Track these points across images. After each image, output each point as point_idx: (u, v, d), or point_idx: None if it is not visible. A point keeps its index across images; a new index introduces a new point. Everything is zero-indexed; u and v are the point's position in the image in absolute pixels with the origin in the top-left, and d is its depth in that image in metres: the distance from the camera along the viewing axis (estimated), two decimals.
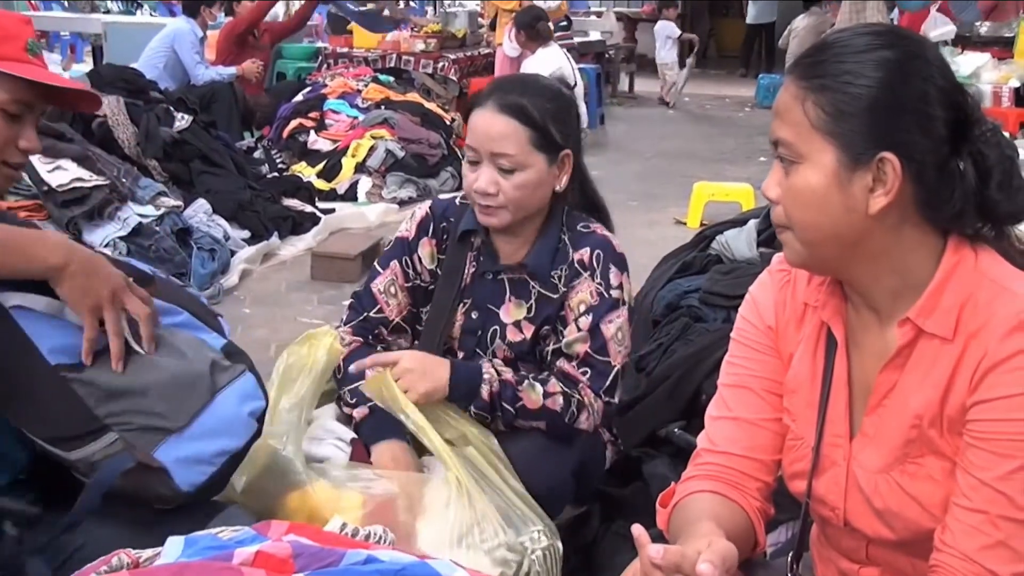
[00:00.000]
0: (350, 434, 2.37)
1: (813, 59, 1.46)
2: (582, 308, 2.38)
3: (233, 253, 5.56)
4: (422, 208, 2.56)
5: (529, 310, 2.45)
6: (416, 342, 2.58)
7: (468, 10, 11.80)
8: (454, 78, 9.46)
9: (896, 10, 12.07)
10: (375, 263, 2.58)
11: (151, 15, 15.25)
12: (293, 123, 7.80)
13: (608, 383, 2.39)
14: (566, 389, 2.36)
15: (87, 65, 9.38)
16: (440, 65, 9.38)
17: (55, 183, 4.76)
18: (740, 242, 3.35)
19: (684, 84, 14.21)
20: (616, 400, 2.44)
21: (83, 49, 13.83)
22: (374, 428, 2.36)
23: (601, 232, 2.46)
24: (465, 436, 2.31)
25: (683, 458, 2.64)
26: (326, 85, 8.15)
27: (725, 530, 1.48)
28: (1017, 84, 8.57)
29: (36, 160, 4.76)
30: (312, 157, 7.57)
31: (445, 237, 2.51)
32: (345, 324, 2.55)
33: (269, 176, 6.82)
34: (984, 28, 10.75)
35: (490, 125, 2.32)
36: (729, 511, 1.61)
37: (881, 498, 1.53)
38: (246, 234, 5.83)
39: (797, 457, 1.65)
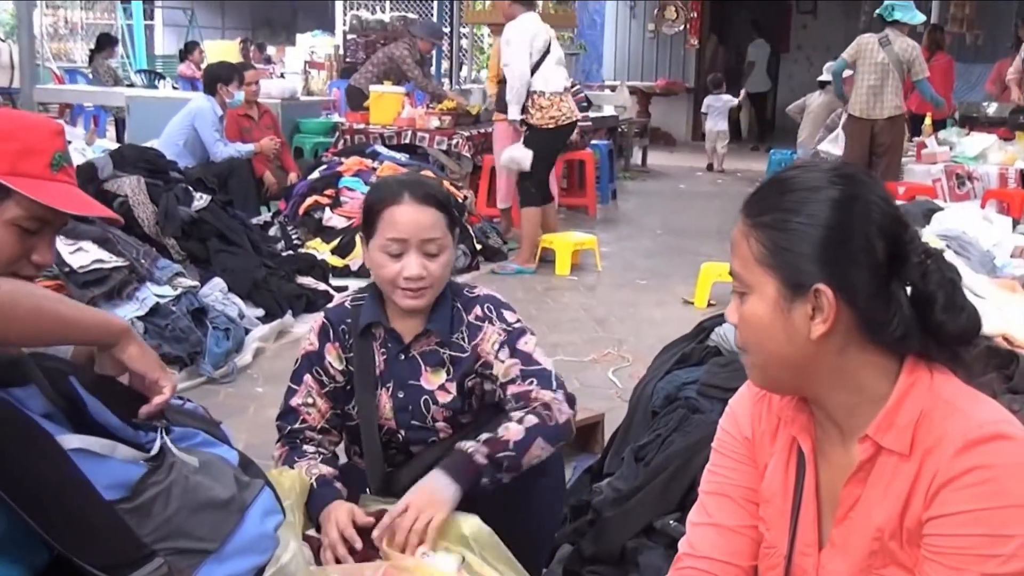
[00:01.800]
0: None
1: (758, 197, 1.60)
2: (496, 347, 2.65)
3: (247, 331, 5.67)
4: (318, 320, 2.79)
5: (447, 372, 2.68)
6: (348, 443, 2.85)
7: (482, 87, 12.01)
8: (468, 154, 9.62)
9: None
10: (289, 383, 2.78)
11: (173, 88, 15.58)
12: (309, 200, 7.96)
13: (555, 381, 2.63)
14: (529, 405, 2.56)
15: (109, 141, 9.57)
16: (454, 141, 9.55)
17: (76, 264, 4.90)
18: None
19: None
20: (571, 395, 2.66)
21: (105, 120, 14.15)
22: (313, 505, 2.55)
23: (483, 291, 2.76)
24: (466, 537, 2.40)
25: (677, 550, 2.74)
26: (342, 163, 8.32)
27: None
28: (1023, 165, 8.69)
29: (59, 241, 4.88)
30: (327, 234, 7.72)
31: (347, 337, 2.72)
32: (276, 442, 2.78)
33: (284, 253, 6.96)
34: (991, 109, 10.91)
35: (418, 215, 2.59)
36: None
37: None
38: (260, 312, 5.94)
39: (771, 565, 1.74)
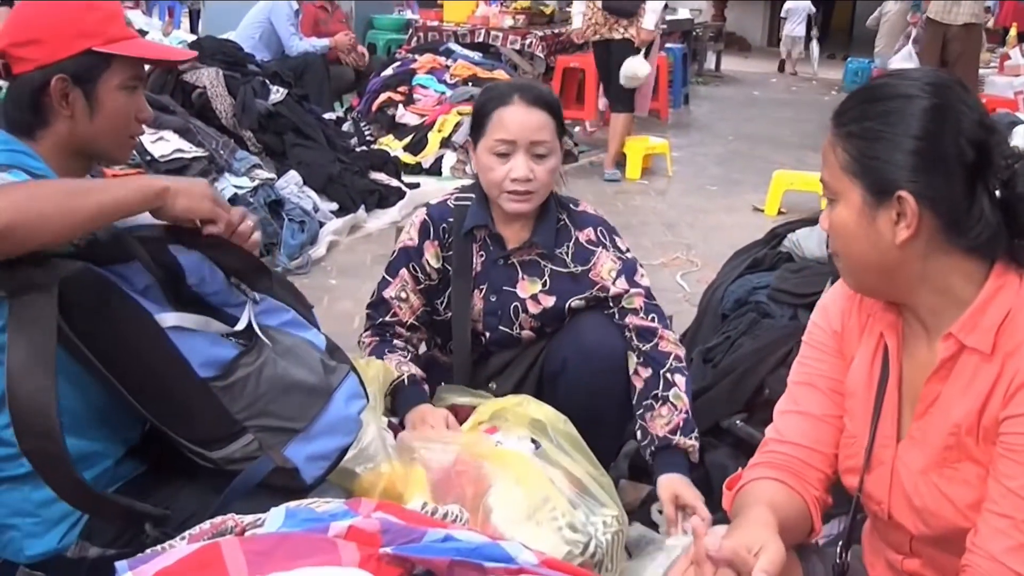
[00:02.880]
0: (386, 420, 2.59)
1: (846, 107, 1.62)
2: (614, 274, 2.70)
3: (321, 225, 5.76)
4: (419, 215, 2.81)
5: (544, 284, 2.73)
6: (431, 335, 2.92)
7: None
8: (541, 55, 9.58)
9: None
10: (384, 273, 2.81)
11: None
12: (382, 97, 7.99)
13: (667, 319, 2.77)
14: (671, 365, 2.68)
15: (184, 32, 9.64)
16: (528, 41, 9.49)
17: (158, 153, 5.00)
18: (811, 242, 3.43)
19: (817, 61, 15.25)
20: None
21: (181, 12, 14.19)
22: (402, 402, 2.64)
23: (591, 209, 2.79)
24: (541, 422, 2.47)
25: (744, 448, 2.80)
26: (415, 60, 8.32)
27: (783, 515, 1.65)
28: None
29: None
30: (399, 131, 7.76)
31: (447, 237, 2.75)
32: (364, 331, 2.84)
33: (357, 149, 7.01)
34: None
35: (527, 117, 2.60)
36: (788, 498, 1.76)
37: (920, 497, 1.67)
38: (334, 206, 6.03)
39: (851, 454, 1.79)
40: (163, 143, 5.06)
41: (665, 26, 11.04)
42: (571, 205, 2.77)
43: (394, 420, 2.64)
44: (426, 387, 2.70)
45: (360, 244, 5.88)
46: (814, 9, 15.51)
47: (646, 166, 8.04)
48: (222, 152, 5.29)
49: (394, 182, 6.60)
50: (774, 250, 3.65)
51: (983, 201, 1.53)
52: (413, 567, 1.36)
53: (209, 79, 6.02)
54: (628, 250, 2.76)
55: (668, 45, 11.25)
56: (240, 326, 2.03)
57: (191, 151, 5.13)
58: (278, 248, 5.25)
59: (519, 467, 2.38)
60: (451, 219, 2.75)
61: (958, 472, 1.63)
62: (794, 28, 15.34)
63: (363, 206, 6.16)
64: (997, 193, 1.55)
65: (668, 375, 2.64)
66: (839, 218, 1.62)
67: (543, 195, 2.66)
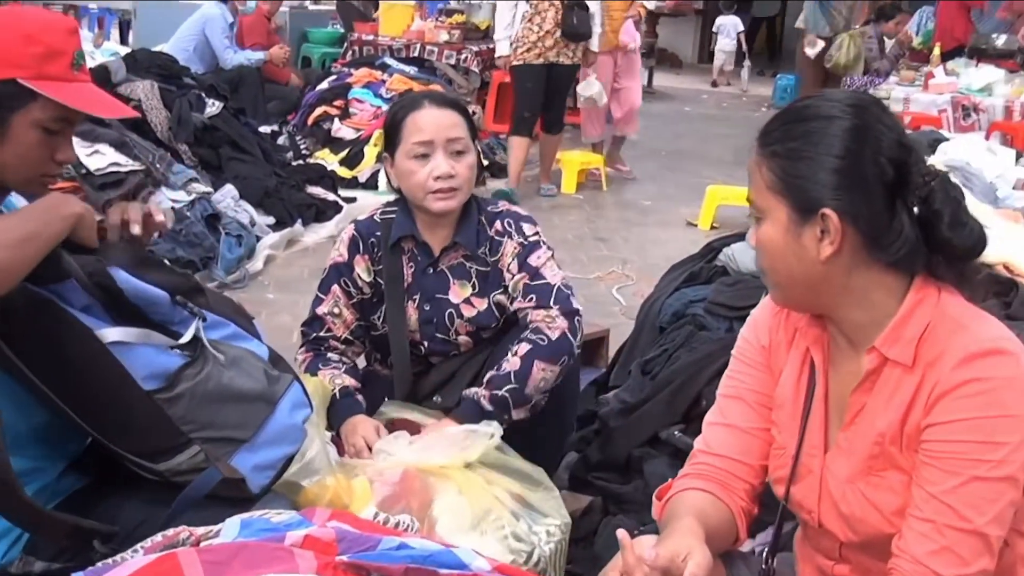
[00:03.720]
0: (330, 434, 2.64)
1: (771, 128, 1.69)
2: (511, 260, 2.75)
3: (258, 239, 5.76)
4: (348, 231, 2.85)
5: (474, 287, 2.78)
6: (371, 350, 2.94)
7: (491, 2, 11.92)
8: (476, 70, 9.62)
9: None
10: (317, 291, 2.86)
11: None
12: (318, 110, 7.99)
13: (554, 296, 2.71)
14: (523, 336, 2.66)
15: (116, 44, 9.54)
16: (463, 56, 9.53)
17: (93, 167, 4.97)
18: (746, 255, 3.50)
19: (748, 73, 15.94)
20: (573, 305, 2.74)
21: (111, 23, 14.00)
22: (335, 414, 2.68)
23: (506, 206, 2.84)
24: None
25: (681, 459, 2.83)
26: (351, 74, 8.33)
27: (709, 524, 1.72)
28: None
29: (76, 143, 4.93)
30: (336, 145, 7.76)
31: (376, 250, 2.80)
32: (299, 348, 2.87)
33: (294, 163, 7.01)
34: (1000, 40, 10.87)
35: (440, 116, 2.69)
36: (715, 507, 1.82)
37: (848, 505, 1.74)
38: (271, 220, 6.04)
39: (780, 464, 1.86)
40: (99, 157, 5.03)
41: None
42: (489, 207, 2.84)
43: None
44: (360, 397, 2.73)
45: (297, 258, 5.89)
46: (742, 27, 15.92)
47: (581, 181, 8.12)
48: (158, 166, 5.27)
49: (331, 196, 6.62)
50: (710, 264, 3.72)
51: (902, 217, 1.60)
52: (369, 574, 1.39)
53: (144, 92, 5.99)
54: (535, 234, 2.79)
55: None
56: (185, 339, 2.03)
57: (127, 165, 5.11)
58: (215, 262, 5.24)
59: (462, 480, 2.42)
60: (379, 233, 2.80)
61: (883, 480, 1.70)
62: (725, 43, 15.82)
63: (300, 220, 6.17)
64: (916, 209, 1.62)
65: (515, 344, 2.67)
66: (766, 235, 1.68)
67: (466, 192, 2.73)
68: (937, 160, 5.12)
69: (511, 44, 7.39)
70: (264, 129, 7.68)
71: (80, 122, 2.11)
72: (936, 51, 10.02)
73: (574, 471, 3.15)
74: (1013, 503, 1.60)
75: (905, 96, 8.88)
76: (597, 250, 6.43)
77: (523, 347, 2.63)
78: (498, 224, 2.79)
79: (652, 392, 3.15)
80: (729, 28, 15.81)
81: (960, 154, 5.43)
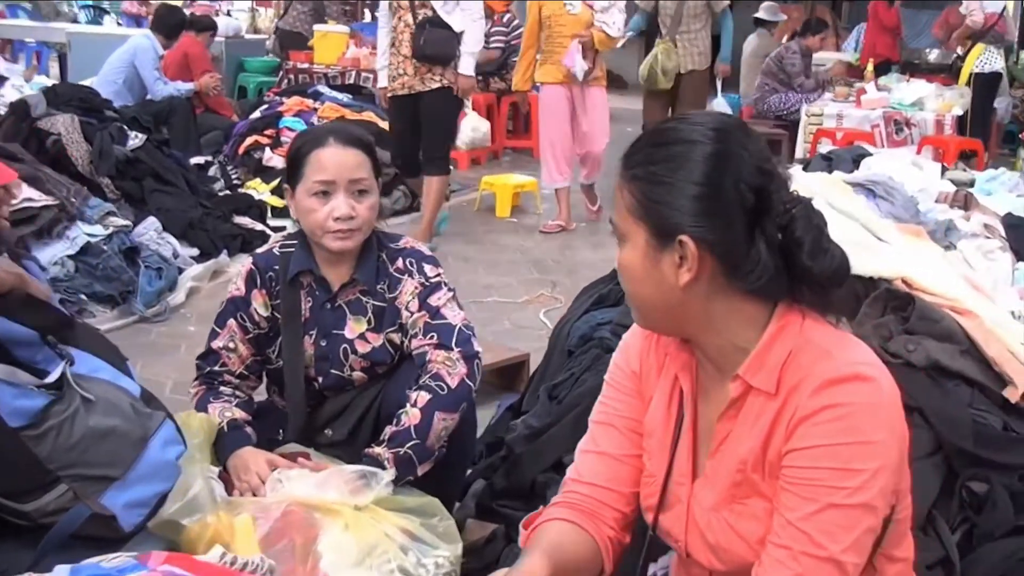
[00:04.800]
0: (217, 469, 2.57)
1: (633, 150, 1.65)
2: (410, 298, 2.71)
3: (181, 271, 5.68)
4: (246, 265, 2.82)
5: (369, 322, 2.74)
6: (268, 383, 2.90)
7: None
8: None
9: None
10: (213, 324, 2.81)
11: (118, 24, 15.33)
12: (249, 140, 7.92)
13: (456, 337, 2.67)
14: (421, 382, 2.61)
15: (46, 78, 9.44)
16: None
17: None
18: None
19: None
20: (474, 348, 2.70)
21: (48, 56, 13.90)
22: (223, 447, 2.62)
23: (409, 243, 2.81)
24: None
25: None
26: (283, 103, 8.27)
27: (565, 557, 1.71)
28: (959, 112, 8.80)
29: None
30: (267, 174, 7.67)
31: (274, 284, 2.76)
32: (193, 381, 2.83)
33: (222, 193, 6.94)
34: (932, 55, 11.01)
35: (343, 156, 2.64)
36: (577, 539, 1.79)
37: (713, 534, 1.71)
38: (195, 252, 5.96)
39: (650, 493, 1.83)
40: None
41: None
42: (390, 243, 2.80)
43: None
44: (250, 430, 2.68)
45: (222, 290, 5.69)
46: None
47: (515, 204, 8.10)
48: (74, 200, 5.19)
49: (258, 226, 6.56)
50: (619, 285, 3.69)
51: (761, 245, 1.57)
52: None
53: (64, 126, 5.90)
54: (437, 276, 2.77)
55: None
56: (51, 378, 2.00)
57: (40, 200, 5.02)
58: (134, 296, 5.16)
59: (350, 516, 2.38)
60: (277, 267, 2.76)
61: (747, 508, 1.67)
62: None
63: (226, 251, 6.09)
64: (778, 236, 1.59)
65: (414, 391, 2.62)
66: (626, 259, 1.66)
67: (366, 232, 2.69)
68: (860, 175, 5.14)
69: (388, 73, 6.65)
70: (198, 160, 7.61)
71: None
72: (869, 67, 10.13)
73: (480, 499, 3.10)
74: (872, 530, 1.57)
75: (838, 112, 8.97)
76: (528, 273, 6.41)
77: (423, 397, 2.59)
78: (399, 262, 2.76)
79: (558, 416, 3.12)
80: None
81: (884, 168, 5.46)
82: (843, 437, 1.54)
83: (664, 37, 8.35)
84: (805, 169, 5.39)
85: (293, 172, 2.69)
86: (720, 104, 9.40)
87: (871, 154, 6.17)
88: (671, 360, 1.78)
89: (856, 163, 5.79)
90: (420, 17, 6.38)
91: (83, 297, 5.00)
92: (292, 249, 2.77)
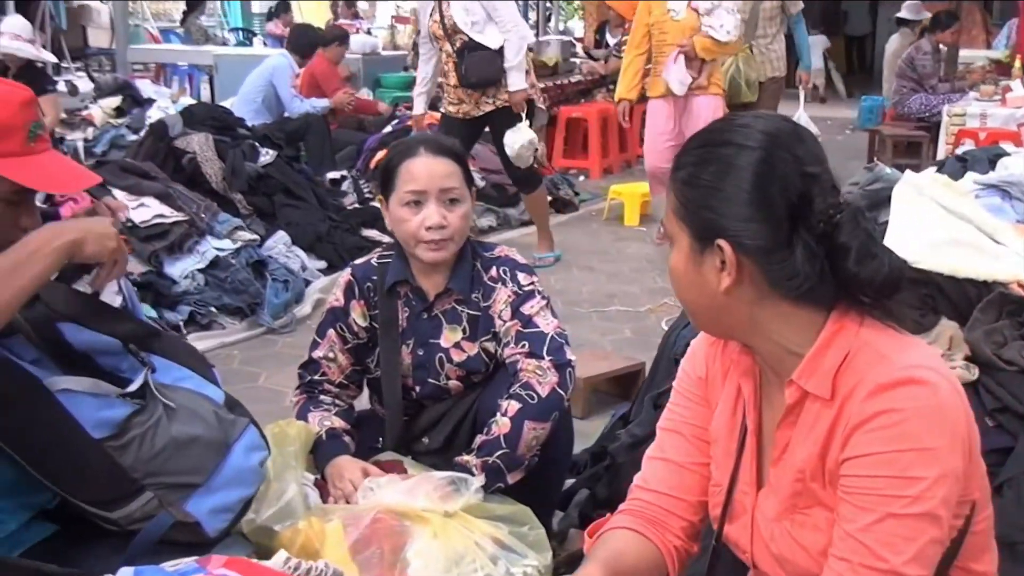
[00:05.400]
0: (312, 477, 2.62)
1: (684, 152, 1.62)
2: (503, 307, 2.70)
3: (308, 283, 5.81)
4: (344, 275, 2.84)
5: (464, 331, 2.75)
6: (370, 392, 2.93)
7: (560, 39, 11.97)
8: (543, 106, 9.60)
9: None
10: (314, 334, 2.86)
11: (263, 45, 15.82)
12: (379, 154, 8.04)
13: (547, 346, 2.65)
14: (512, 391, 2.60)
15: (189, 99, 9.77)
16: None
17: (138, 219, 5.08)
18: None
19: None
20: (566, 357, 2.66)
21: (200, 79, 14.43)
22: (320, 456, 2.66)
23: (504, 252, 2.79)
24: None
25: None
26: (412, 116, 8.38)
27: (625, 567, 1.70)
28: None
29: (122, 197, 5.10)
30: None
31: (372, 295, 2.77)
32: (294, 390, 2.88)
33: (351, 207, 7.06)
34: None
35: (434, 166, 2.66)
36: (640, 547, 1.78)
37: (777, 544, 1.66)
38: (323, 264, 6.09)
39: (716, 503, 1.79)
40: (144, 209, 5.15)
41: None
42: (485, 252, 2.81)
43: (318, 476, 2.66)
44: (348, 439, 2.72)
45: None
46: (828, 44, 15.90)
47: (644, 212, 8.04)
48: (203, 215, 5.36)
49: (386, 238, 6.64)
50: None
51: (799, 252, 1.52)
52: None
53: (199, 144, 6.11)
54: (531, 284, 2.75)
55: None
56: (133, 387, 2.06)
57: (172, 216, 5.21)
58: (261, 308, 5.30)
59: (438, 524, 2.39)
60: (375, 277, 2.79)
61: (809, 518, 1.62)
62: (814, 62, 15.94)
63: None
64: (822, 242, 1.53)
65: (504, 400, 2.61)
66: (673, 262, 1.64)
67: (459, 242, 2.70)
68: (994, 175, 4.94)
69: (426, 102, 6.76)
70: (333, 175, 7.77)
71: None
72: (1017, 64, 9.74)
73: (583, 508, 3.09)
74: (936, 541, 1.50)
75: (982, 111, 8.64)
76: (653, 282, 6.34)
77: (513, 406, 2.59)
78: (493, 271, 2.76)
79: None
80: (816, 46, 15.87)
81: (1020, 169, 5.24)
82: (898, 444, 1.48)
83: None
84: (939, 171, 5.21)
85: (386, 183, 2.72)
86: (804, 119, 7.48)
87: (1008, 154, 5.93)
88: (734, 366, 1.75)
89: (992, 164, 5.58)
90: (459, 44, 6.24)
91: (213, 309, 5.16)
92: (389, 260, 2.80)
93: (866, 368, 1.53)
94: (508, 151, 6.34)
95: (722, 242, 1.53)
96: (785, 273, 1.53)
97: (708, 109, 6.60)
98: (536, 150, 6.49)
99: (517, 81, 6.23)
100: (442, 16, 6.22)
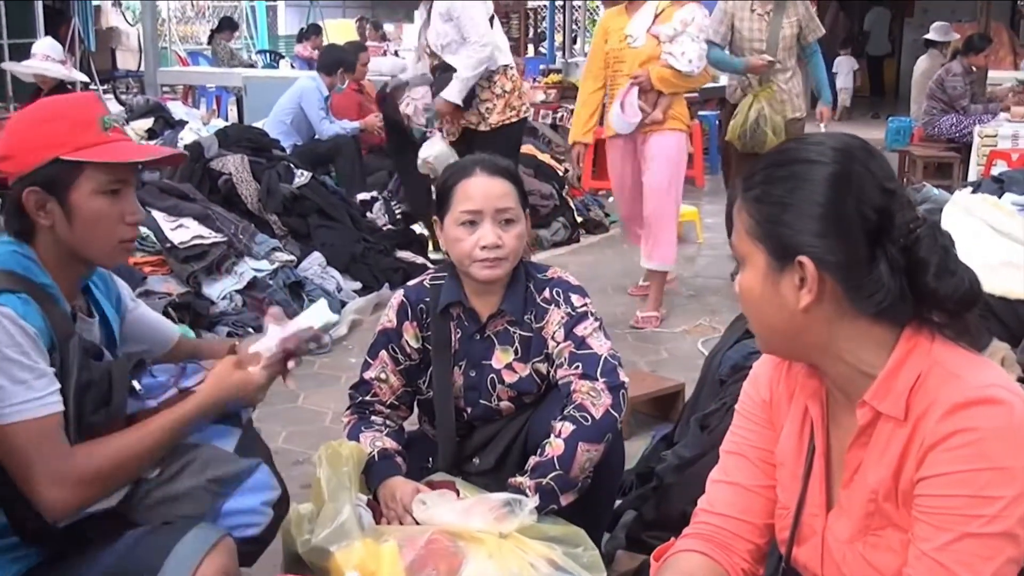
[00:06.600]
0: (365, 497, 2.63)
1: (753, 171, 1.62)
2: (556, 328, 2.70)
3: (344, 304, 5.82)
4: (397, 297, 2.84)
5: (516, 352, 2.75)
6: (420, 413, 2.94)
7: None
8: (548, 133, 9.64)
9: None
10: (366, 355, 2.85)
11: (291, 67, 15.92)
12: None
13: (601, 367, 2.65)
14: (565, 413, 2.60)
15: (221, 121, 9.84)
16: (559, 115, 9.58)
17: (177, 240, 5.11)
18: None
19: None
20: (620, 378, 2.66)
21: (228, 100, 14.53)
22: (373, 476, 2.67)
23: (556, 274, 2.79)
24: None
25: None
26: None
27: None
28: None
29: (161, 219, 5.14)
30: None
31: (424, 316, 2.78)
32: (345, 410, 2.89)
33: (384, 228, 7.09)
34: None
35: (490, 186, 2.67)
36: (708, 570, 1.77)
37: (849, 567, 1.65)
38: (358, 285, 6.11)
39: (784, 525, 1.78)
40: (183, 230, 5.18)
41: (697, 94, 10.62)
42: (538, 273, 2.81)
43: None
44: (400, 460, 2.72)
45: None
46: (856, 65, 16.48)
47: (678, 234, 7.99)
48: (241, 236, 5.39)
49: (420, 259, 6.67)
50: None
51: (883, 266, 1.53)
52: None
53: (234, 165, 6.16)
54: (584, 305, 2.74)
55: (702, 112, 11.29)
56: None
57: (210, 237, 5.25)
58: None
59: (493, 545, 2.39)
60: (427, 299, 2.80)
61: (882, 539, 1.61)
62: (842, 80, 16.95)
63: (387, 284, 6.21)
64: (902, 257, 1.54)
65: (558, 422, 2.60)
66: (746, 282, 1.63)
67: (513, 261, 2.71)
68: None
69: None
70: (363, 196, 7.80)
71: (136, 180, 2.23)
72: None
73: (630, 530, 3.07)
74: (1014, 561, 1.49)
75: (1014, 132, 8.62)
76: (687, 303, 6.34)
77: (566, 428, 2.58)
78: (547, 292, 2.77)
79: (708, 447, 3.06)
80: (846, 66, 17.03)
81: None
82: (975, 463, 1.47)
83: (754, 83, 6.52)
84: (975, 191, 5.20)
85: (441, 203, 2.73)
86: None
87: None
88: (800, 388, 1.74)
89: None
90: (434, 65, 6.05)
91: (251, 330, 5.18)
92: (442, 281, 2.81)
93: (939, 387, 1.53)
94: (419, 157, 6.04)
95: (803, 259, 1.53)
96: (868, 289, 1.53)
97: (667, 149, 5.80)
98: (438, 173, 5.61)
99: (451, 92, 5.82)
100: (426, 38, 6.12)
